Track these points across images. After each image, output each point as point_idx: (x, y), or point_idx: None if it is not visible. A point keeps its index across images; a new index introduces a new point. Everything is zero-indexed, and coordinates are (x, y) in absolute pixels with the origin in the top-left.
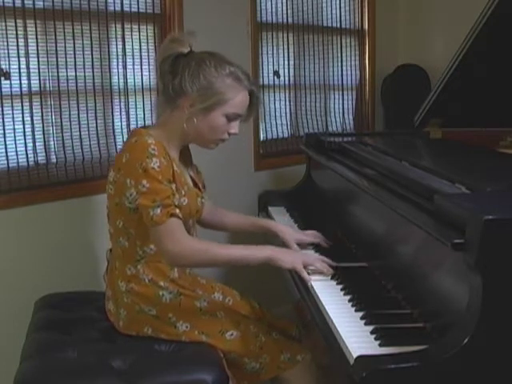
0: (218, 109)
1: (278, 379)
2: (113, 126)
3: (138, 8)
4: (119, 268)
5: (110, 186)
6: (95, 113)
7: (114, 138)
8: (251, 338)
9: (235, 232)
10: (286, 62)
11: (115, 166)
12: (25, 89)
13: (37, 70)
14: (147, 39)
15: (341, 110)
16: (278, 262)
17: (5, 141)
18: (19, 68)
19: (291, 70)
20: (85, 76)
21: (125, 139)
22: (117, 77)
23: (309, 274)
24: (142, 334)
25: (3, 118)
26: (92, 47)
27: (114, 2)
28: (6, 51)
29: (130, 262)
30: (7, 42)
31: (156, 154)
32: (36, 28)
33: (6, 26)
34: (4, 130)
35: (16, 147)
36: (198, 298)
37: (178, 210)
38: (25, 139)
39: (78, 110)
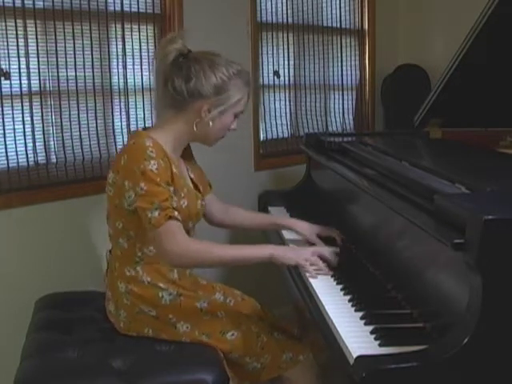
0: (231, 110)
1: (279, 378)
2: (113, 126)
3: (138, 8)
4: (118, 269)
5: (109, 188)
6: (95, 113)
7: (114, 138)
8: (252, 338)
9: (250, 230)
10: (286, 62)
11: (114, 167)
12: (25, 89)
13: (37, 70)
14: (147, 39)
15: (341, 110)
16: (281, 260)
17: (5, 141)
18: (19, 68)
19: (291, 70)
20: (85, 76)
21: (125, 139)
22: (117, 77)
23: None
24: (142, 335)
25: (3, 118)
26: (92, 47)
27: (114, 2)
28: (6, 51)
29: (129, 263)
30: (7, 42)
31: (154, 156)
32: (36, 28)
33: (6, 26)
34: (4, 130)
35: (16, 147)
36: (199, 298)
37: (176, 213)
38: (25, 139)
39: (78, 110)
